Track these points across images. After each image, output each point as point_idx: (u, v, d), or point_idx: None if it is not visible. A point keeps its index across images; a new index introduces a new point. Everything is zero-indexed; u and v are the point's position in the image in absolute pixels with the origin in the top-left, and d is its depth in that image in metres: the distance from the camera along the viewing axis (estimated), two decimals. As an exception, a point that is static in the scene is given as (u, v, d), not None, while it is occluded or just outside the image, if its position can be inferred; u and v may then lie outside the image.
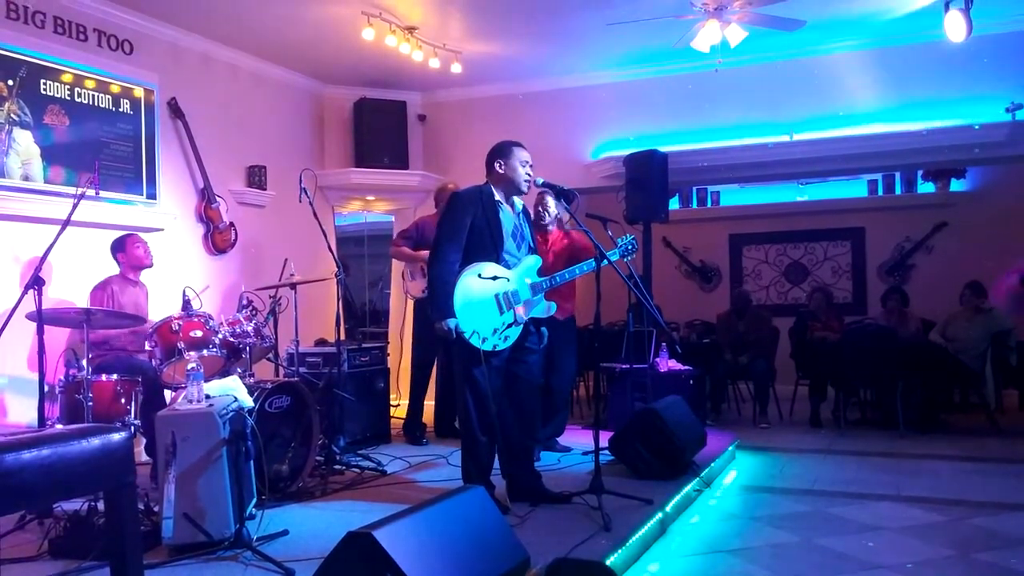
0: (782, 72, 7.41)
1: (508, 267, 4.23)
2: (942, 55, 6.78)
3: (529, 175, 4.30)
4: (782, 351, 8.08)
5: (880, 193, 10.14)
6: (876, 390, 7.60)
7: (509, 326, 4.16)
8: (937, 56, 6.86)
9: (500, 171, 4.29)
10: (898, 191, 10.06)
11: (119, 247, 5.29)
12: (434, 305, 4.11)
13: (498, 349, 4.14)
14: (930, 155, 7.37)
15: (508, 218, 4.30)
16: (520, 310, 4.19)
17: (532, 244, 4.45)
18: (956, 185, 9.63)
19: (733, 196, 10.81)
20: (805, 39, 6.90)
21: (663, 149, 7.27)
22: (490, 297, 4.13)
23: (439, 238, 4.23)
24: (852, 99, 7.22)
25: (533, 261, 4.35)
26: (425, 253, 6.08)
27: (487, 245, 4.19)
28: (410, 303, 6.98)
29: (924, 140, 7.04)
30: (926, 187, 9.87)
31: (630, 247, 4.51)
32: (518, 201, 4.42)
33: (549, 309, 4.36)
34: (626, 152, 7.38)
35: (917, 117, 7.04)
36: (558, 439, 5.87)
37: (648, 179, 7.00)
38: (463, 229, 4.17)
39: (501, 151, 4.32)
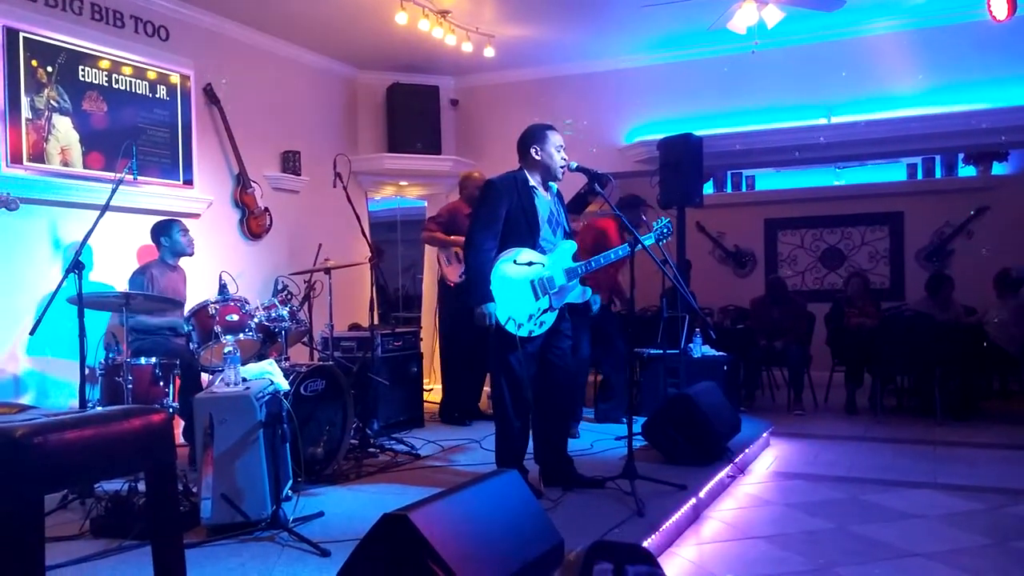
0: (820, 53, 7.30)
1: (543, 253, 4.22)
2: (985, 34, 6.63)
3: (564, 159, 4.27)
4: (817, 337, 8.00)
5: (920, 177, 9.97)
6: (913, 377, 7.51)
7: (544, 312, 4.15)
8: (980, 36, 6.72)
9: (536, 157, 4.24)
10: (938, 175, 9.88)
11: (164, 231, 5.32)
12: (472, 292, 4.09)
13: (534, 335, 4.13)
14: (972, 138, 7.21)
15: (544, 204, 4.27)
16: (555, 296, 4.18)
17: (567, 229, 4.43)
18: (998, 168, 9.44)
19: (768, 180, 10.69)
20: (843, 19, 6.80)
21: (698, 133, 7.19)
22: (525, 283, 4.12)
23: (474, 226, 4.19)
24: (891, 80, 7.09)
25: (568, 246, 4.33)
26: (458, 238, 6.10)
27: (523, 232, 4.17)
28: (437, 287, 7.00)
29: (966, 122, 6.90)
30: (967, 171, 9.68)
31: (665, 231, 4.46)
32: (552, 185, 4.40)
33: (585, 294, 4.34)
34: (660, 136, 7.31)
35: (959, 99, 6.90)
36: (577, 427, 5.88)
37: (682, 163, 6.93)
38: (499, 219, 4.13)
39: (536, 136, 4.27)
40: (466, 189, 6.41)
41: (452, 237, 6.20)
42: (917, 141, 7.36)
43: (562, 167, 4.27)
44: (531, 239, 4.19)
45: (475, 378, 6.48)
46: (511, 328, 4.05)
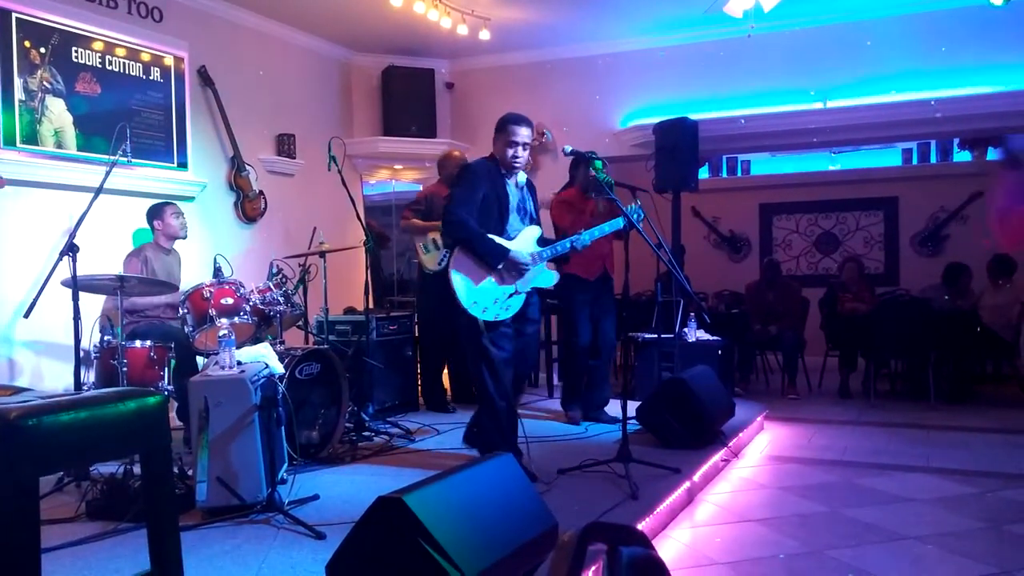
0: (817, 37, 7.28)
1: (510, 239, 4.26)
2: (982, 19, 6.63)
3: (517, 157, 4.25)
4: (812, 322, 8.02)
5: (915, 162, 9.97)
6: (907, 361, 7.54)
7: (511, 296, 4.20)
8: (977, 20, 6.71)
9: (497, 147, 4.28)
10: (933, 160, 9.89)
11: (156, 214, 5.31)
12: (487, 257, 4.10)
13: (499, 319, 4.17)
14: (968, 122, 7.22)
15: (513, 192, 4.33)
16: (521, 280, 4.21)
17: (535, 216, 4.46)
18: (993, 154, 9.45)
19: (764, 165, 10.69)
20: (840, 3, 6.78)
21: (693, 117, 7.17)
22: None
23: (451, 205, 4.21)
24: (888, 65, 7.08)
25: (533, 231, 4.36)
26: (436, 223, 6.07)
27: (494, 219, 4.22)
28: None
29: (962, 107, 6.89)
30: (962, 156, 9.69)
31: (635, 216, 4.35)
32: (522, 175, 4.42)
33: (553, 279, 4.38)
34: (656, 120, 7.29)
35: (955, 83, 6.89)
36: (605, 409, 5.87)
37: (678, 147, 6.92)
38: (476, 201, 4.18)
39: (499, 126, 4.29)
40: (445, 169, 6.30)
41: (429, 223, 6.16)
42: (914, 125, 7.35)
43: (515, 166, 4.27)
44: (500, 226, 4.24)
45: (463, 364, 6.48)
46: (476, 312, 4.09)
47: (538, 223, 4.45)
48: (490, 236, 4.14)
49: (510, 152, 4.23)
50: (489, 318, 4.11)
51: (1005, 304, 7.22)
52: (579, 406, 5.68)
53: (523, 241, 4.27)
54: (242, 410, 3.61)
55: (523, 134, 4.24)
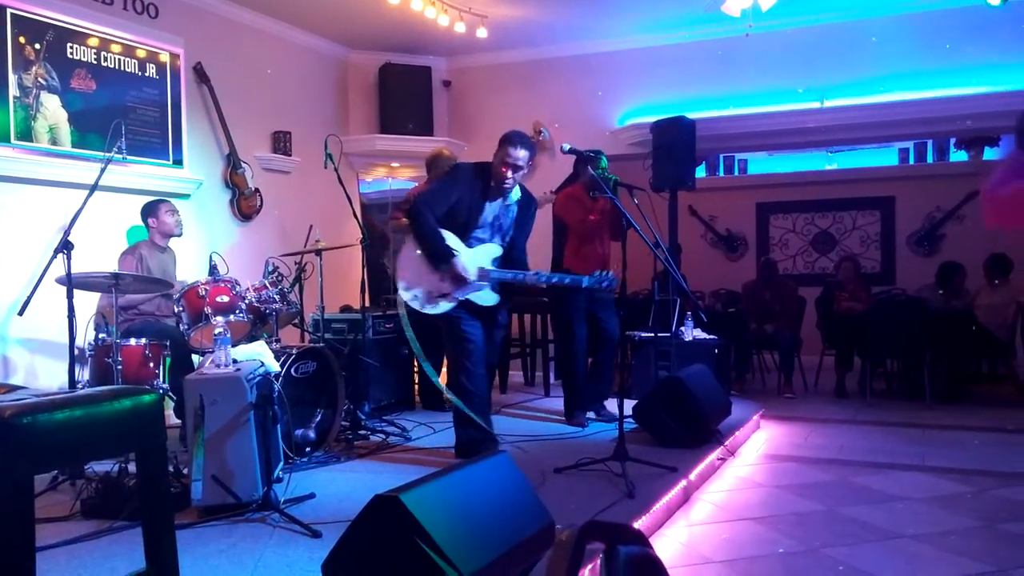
0: (814, 37, 7.28)
1: (469, 248, 4.31)
2: (979, 19, 6.64)
3: (507, 176, 4.29)
4: (808, 321, 8.02)
5: (911, 162, 9.98)
6: (903, 360, 7.55)
7: (440, 296, 4.28)
8: (974, 20, 6.72)
9: (494, 158, 4.33)
10: (930, 159, 9.90)
11: (151, 212, 5.30)
12: (432, 256, 4.21)
13: (424, 312, 4.28)
14: (965, 122, 7.22)
15: (491, 206, 4.37)
16: (458, 290, 4.28)
17: (508, 236, 4.49)
18: (990, 153, 9.46)
19: (761, 164, 10.68)
20: (838, 3, 6.77)
21: (691, 116, 7.17)
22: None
23: (424, 195, 4.33)
24: (886, 64, 7.08)
25: (492, 249, 4.41)
26: None
27: (459, 222, 4.30)
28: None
29: (959, 107, 6.90)
30: (959, 155, 9.70)
31: (605, 283, 4.31)
32: (516, 191, 4.43)
33: (493, 300, 4.40)
34: (653, 119, 7.29)
35: (953, 83, 6.90)
36: (604, 404, 5.85)
37: (675, 146, 6.91)
38: (445, 200, 4.27)
39: (501, 140, 4.34)
40: (435, 168, 6.28)
41: None
42: (911, 125, 7.35)
43: (504, 184, 4.31)
44: (463, 232, 4.31)
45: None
46: (405, 297, 4.24)
47: (510, 244, 4.49)
48: (446, 238, 4.23)
49: (501, 170, 4.29)
50: (417, 307, 4.26)
51: (1001, 304, 7.23)
52: (581, 412, 5.63)
53: (478, 254, 4.34)
54: (238, 408, 3.60)
55: (519, 156, 4.28)
